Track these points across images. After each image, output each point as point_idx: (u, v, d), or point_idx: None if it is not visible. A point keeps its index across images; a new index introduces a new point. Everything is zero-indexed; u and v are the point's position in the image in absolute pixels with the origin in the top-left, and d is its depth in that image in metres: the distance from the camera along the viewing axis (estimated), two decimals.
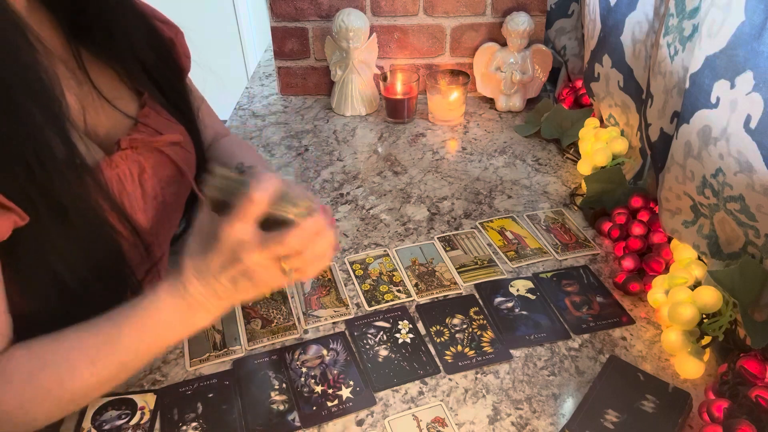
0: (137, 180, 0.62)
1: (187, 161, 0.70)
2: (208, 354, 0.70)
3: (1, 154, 0.49)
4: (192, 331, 0.57)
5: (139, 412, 0.63)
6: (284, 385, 0.66)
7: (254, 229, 0.52)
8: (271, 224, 0.53)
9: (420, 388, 0.66)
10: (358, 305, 0.77)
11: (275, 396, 0.65)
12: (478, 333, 0.72)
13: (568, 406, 0.64)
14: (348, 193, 0.99)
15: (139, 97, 0.67)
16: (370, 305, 0.77)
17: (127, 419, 0.62)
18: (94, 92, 0.62)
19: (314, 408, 0.63)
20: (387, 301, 0.77)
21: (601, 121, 1.07)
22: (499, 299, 0.77)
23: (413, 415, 0.63)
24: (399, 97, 1.19)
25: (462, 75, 1.19)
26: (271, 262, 0.53)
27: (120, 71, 0.66)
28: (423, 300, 0.78)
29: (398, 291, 0.79)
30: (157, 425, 0.62)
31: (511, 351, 0.70)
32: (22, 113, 0.50)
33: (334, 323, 0.74)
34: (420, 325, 0.74)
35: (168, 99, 0.70)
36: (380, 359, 0.69)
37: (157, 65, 0.69)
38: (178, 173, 0.67)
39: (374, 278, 0.81)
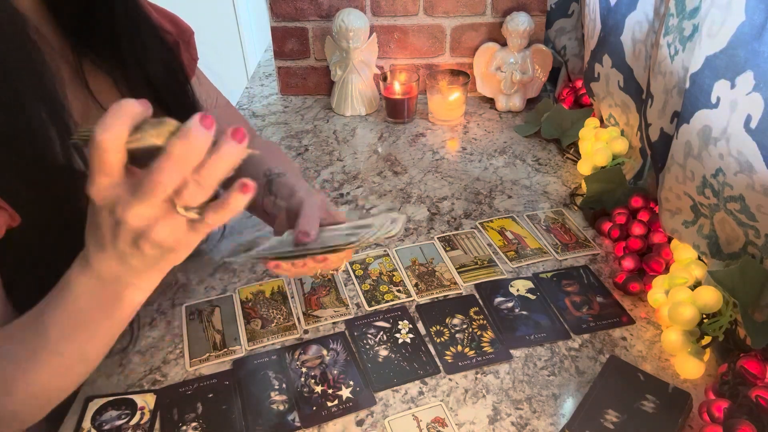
0: None
1: None
2: (208, 354, 0.70)
3: (2, 153, 0.48)
4: (126, 312, 0.48)
5: (139, 412, 0.63)
6: (284, 385, 0.66)
7: (120, 179, 0.40)
8: (148, 156, 0.40)
9: (420, 388, 0.66)
10: (358, 305, 0.77)
11: (275, 396, 0.65)
12: (478, 333, 0.72)
13: (568, 406, 0.64)
14: (348, 193, 0.99)
15: None
16: (370, 305, 0.77)
17: (127, 419, 0.62)
18: (91, 100, 0.62)
19: (314, 408, 0.63)
20: (387, 301, 0.77)
21: (601, 121, 1.07)
22: (499, 299, 0.77)
23: (413, 415, 0.63)
24: (399, 97, 1.19)
25: (462, 75, 1.19)
26: (162, 210, 0.40)
27: (120, 80, 0.65)
28: (423, 300, 0.78)
29: (398, 291, 0.79)
30: (157, 425, 0.62)
31: (511, 351, 0.70)
32: (27, 114, 0.48)
33: (334, 323, 0.74)
34: (420, 325, 0.74)
35: (168, 106, 0.69)
36: (380, 359, 0.69)
37: (159, 74, 0.67)
38: None
39: (374, 278, 0.81)
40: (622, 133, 0.99)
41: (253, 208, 0.72)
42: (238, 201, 0.41)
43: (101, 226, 0.42)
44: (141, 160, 0.40)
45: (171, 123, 0.39)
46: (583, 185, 0.96)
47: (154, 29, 0.66)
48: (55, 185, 0.50)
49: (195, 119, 0.38)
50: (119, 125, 0.38)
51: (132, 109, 0.38)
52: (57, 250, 0.51)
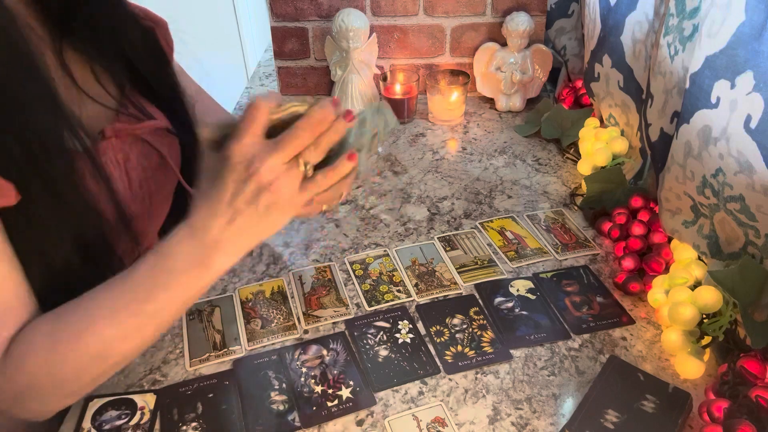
0: (123, 169, 0.62)
1: (171, 150, 0.69)
2: (208, 354, 0.70)
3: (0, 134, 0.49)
4: (212, 276, 0.53)
5: (139, 412, 0.63)
6: (284, 385, 0.66)
7: (260, 140, 0.50)
8: (279, 132, 0.51)
9: (420, 388, 0.66)
10: (358, 305, 0.77)
11: (275, 396, 0.65)
12: (478, 333, 0.72)
13: (568, 406, 0.64)
14: (348, 193, 0.99)
15: (121, 89, 0.67)
16: (370, 305, 0.77)
17: (127, 419, 0.62)
18: (72, 83, 0.62)
19: (314, 408, 0.63)
20: (387, 301, 0.77)
21: (601, 121, 1.07)
22: (499, 299, 0.77)
23: (413, 415, 0.63)
24: (399, 97, 1.19)
25: (462, 75, 1.19)
26: (289, 166, 0.50)
27: (102, 65, 0.66)
28: (423, 300, 0.78)
29: (398, 291, 0.79)
30: (157, 425, 0.62)
31: (511, 351, 0.70)
32: (21, 97, 0.51)
33: (334, 323, 0.74)
34: (420, 325, 0.74)
35: (150, 89, 0.70)
36: (380, 359, 0.69)
37: (140, 57, 0.68)
38: (163, 163, 0.67)
39: (374, 278, 0.81)
40: (622, 133, 0.99)
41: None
42: (346, 166, 0.54)
43: (225, 185, 0.50)
44: (269, 136, 0.51)
45: (306, 100, 0.52)
46: (583, 185, 0.96)
47: (131, 15, 0.68)
48: (50, 164, 0.52)
49: (329, 99, 0.52)
50: (271, 98, 0.50)
51: (275, 95, 0.51)
52: (52, 228, 0.54)
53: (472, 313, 0.75)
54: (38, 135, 0.51)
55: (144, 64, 0.69)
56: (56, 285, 0.56)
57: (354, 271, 0.83)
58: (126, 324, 0.53)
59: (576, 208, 0.95)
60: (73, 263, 0.56)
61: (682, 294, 0.68)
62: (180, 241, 0.52)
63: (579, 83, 1.20)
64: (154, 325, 0.54)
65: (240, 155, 0.49)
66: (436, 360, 0.69)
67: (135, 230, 0.63)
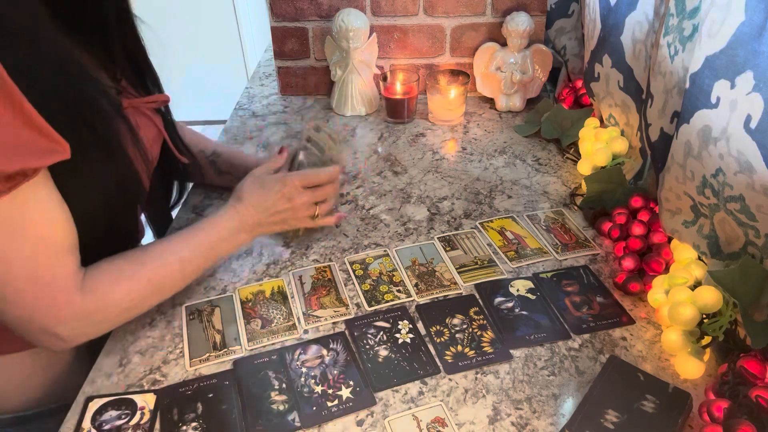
0: (139, 132, 0.71)
1: (161, 126, 0.79)
2: (208, 354, 0.70)
3: (59, 100, 0.57)
4: (236, 245, 0.77)
5: (139, 412, 0.63)
6: (284, 385, 0.66)
7: (304, 185, 0.78)
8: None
9: (420, 388, 0.66)
10: (358, 305, 0.77)
11: (275, 396, 0.65)
12: (478, 333, 0.72)
13: (568, 406, 0.64)
14: (348, 193, 0.99)
15: (117, 80, 0.72)
16: (370, 305, 0.77)
17: (127, 419, 0.62)
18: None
19: (314, 408, 0.63)
20: (387, 301, 0.77)
21: (601, 121, 1.07)
22: (499, 299, 0.77)
23: (413, 415, 0.63)
24: (399, 97, 1.19)
25: (462, 75, 1.19)
26: (310, 205, 0.80)
27: (103, 58, 0.70)
28: (423, 300, 0.78)
29: (398, 291, 0.79)
30: (157, 425, 0.62)
31: (511, 351, 0.70)
32: (71, 69, 0.60)
33: (334, 323, 0.74)
34: (420, 325, 0.74)
35: (140, 76, 0.78)
36: (380, 359, 0.69)
37: (134, 52, 0.76)
38: (159, 135, 0.78)
39: (374, 278, 0.81)
40: (622, 133, 0.99)
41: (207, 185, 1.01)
42: (336, 220, 0.86)
43: (273, 202, 0.77)
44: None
45: (332, 136, 0.86)
46: (583, 185, 0.96)
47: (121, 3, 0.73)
48: (99, 123, 0.62)
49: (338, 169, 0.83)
50: (319, 121, 0.80)
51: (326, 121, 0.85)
52: (99, 179, 0.64)
53: (472, 313, 0.75)
54: (88, 99, 0.61)
55: (134, 54, 0.76)
56: (95, 230, 0.65)
57: (354, 271, 0.83)
58: (186, 271, 0.71)
59: (576, 208, 0.95)
60: (111, 213, 0.67)
61: (682, 294, 0.68)
62: (230, 219, 0.75)
63: (579, 83, 1.20)
64: (198, 274, 0.74)
65: (289, 190, 0.77)
66: (436, 360, 0.69)
67: (151, 179, 0.76)
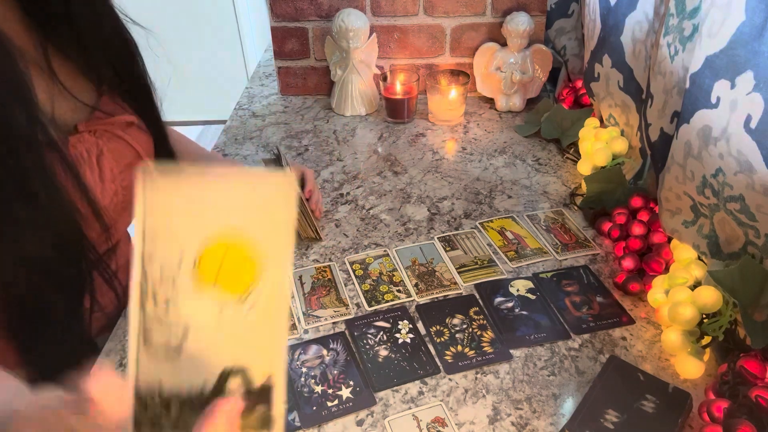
0: (95, 162, 0.65)
1: (146, 146, 0.74)
2: None
3: None
4: None
5: None
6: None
7: None
8: None
9: (420, 388, 0.66)
10: (358, 305, 0.77)
11: None
12: (478, 333, 0.72)
13: (568, 406, 0.64)
14: (348, 193, 0.99)
15: (99, 86, 0.70)
16: (370, 305, 0.77)
17: None
18: (56, 82, 0.64)
19: (314, 408, 0.63)
20: (387, 301, 0.77)
21: (601, 121, 1.07)
22: (499, 299, 0.77)
23: (413, 415, 0.63)
24: (399, 97, 1.19)
25: (462, 75, 1.19)
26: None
27: (81, 63, 0.68)
28: (423, 300, 0.78)
29: (398, 291, 0.79)
30: None
31: (511, 351, 0.70)
32: None
33: (334, 323, 0.74)
34: (420, 325, 0.74)
35: (127, 87, 0.73)
36: (380, 359, 0.69)
37: (119, 57, 0.71)
38: (138, 159, 0.71)
39: (374, 278, 0.81)
40: (622, 133, 0.99)
41: None
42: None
43: None
44: None
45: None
46: (583, 185, 0.96)
47: (109, 9, 0.69)
48: (21, 156, 0.55)
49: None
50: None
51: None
52: (26, 218, 0.56)
53: (472, 313, 0.75)
54: (9, 128, 0.54)
55: (121, 65, 0.72)
56: (30, 275, 0.58)
57: (354, 271, 0.83)
58: None
59: (576, 208, 0.95)
60: (46, 252, 0.59)
61: (682, 294, 0.68)
62: None
63: (579, 83, 1.20)
64: None
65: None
66: (436, 360, 0.69)
67: (106, 221, 0.66)
